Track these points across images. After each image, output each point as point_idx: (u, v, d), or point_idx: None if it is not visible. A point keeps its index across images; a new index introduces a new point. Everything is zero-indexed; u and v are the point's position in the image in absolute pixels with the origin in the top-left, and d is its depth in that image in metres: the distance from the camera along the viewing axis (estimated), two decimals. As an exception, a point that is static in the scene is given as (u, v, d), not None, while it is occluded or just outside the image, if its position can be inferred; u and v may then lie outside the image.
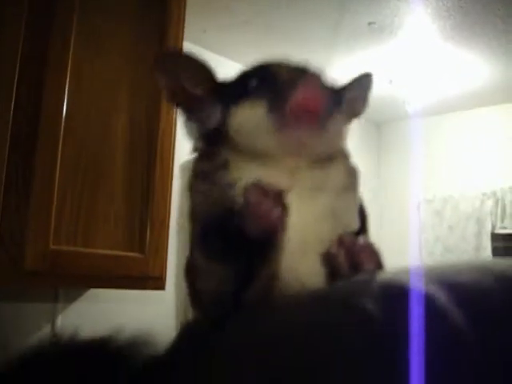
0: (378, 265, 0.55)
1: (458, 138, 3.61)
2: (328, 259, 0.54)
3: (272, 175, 0.55)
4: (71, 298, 2.13)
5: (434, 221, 3.54)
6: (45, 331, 2.05)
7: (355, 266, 0.53)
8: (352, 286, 0.47)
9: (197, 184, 0.61)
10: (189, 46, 2.45)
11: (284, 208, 0.52)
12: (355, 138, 2.82)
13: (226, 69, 2.52)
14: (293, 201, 0.53)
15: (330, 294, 0.47)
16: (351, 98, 0.65)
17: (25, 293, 2.00)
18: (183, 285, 2.27)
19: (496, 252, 3.32)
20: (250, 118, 0.56)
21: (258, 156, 0.56)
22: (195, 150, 0.64)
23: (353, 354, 0.38)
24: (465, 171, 3.53)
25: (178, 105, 0.64)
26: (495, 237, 3.33)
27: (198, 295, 0.63)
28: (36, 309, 2.04)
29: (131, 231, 1.82)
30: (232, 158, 0.57)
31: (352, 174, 0.61)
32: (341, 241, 0.54)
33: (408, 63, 2.83)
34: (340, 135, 0.60)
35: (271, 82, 0.56)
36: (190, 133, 0.64)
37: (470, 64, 2.85)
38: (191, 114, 0.62)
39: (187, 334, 0.57)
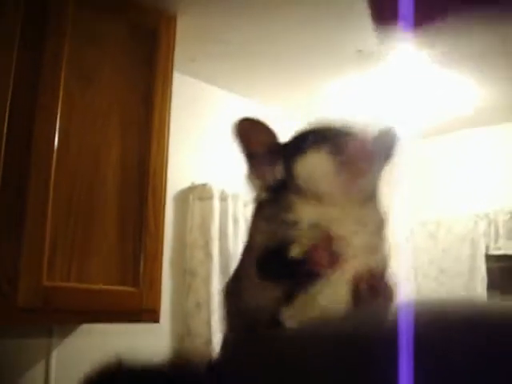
0: (393, 293, 0.66)
1: (449, 161, 3.63)
2: (352, 286, 0.66)
3: (327, 212, 0.67)
4: (66, 333, 2.11)
5: (427, 244, 3.53)
6: (39, 366, 2.03)
7: (374, 293, 0.65)
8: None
9: (260, 225, 0.72)
10: (178, 76, 2.46)
11: (335, 257, 0.65)
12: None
13: (215, 98, 2.52)
14: (347, 231, 0.67)
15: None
16: (382, 145, 0.75)
17: (19, 329, 1.98)
18: (179, 317, 2.25)
19: (491, 273, 3.31)
20: (316, 167, 0.67)
21: (317, 196, 0.68)
22: (257, 199, 0.75)
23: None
24: (457, 193, 3.53)
25: (247, 160, 0.74)
26: (489, 258, 3.33)
27: (240, 313, 0.72)
28: (30, 344, 2.01)
29: (125, 265, 1.82)
30: (295, 201, 0.69)
31: (384, 216, 0.73)
32: (365, 272, 0.66)
33: (397, 88, 2.85)
34: (376, 179, 0.71)
35: (327, 138, 0.68)
36: (253, 186, 0.74)
37: (458, 86, 2.87)
38: (255, 170, 0.73)
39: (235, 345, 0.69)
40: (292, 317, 0.65)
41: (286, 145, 0.73)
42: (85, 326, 2.15)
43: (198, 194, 2.62)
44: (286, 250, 0.66)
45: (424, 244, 3.56)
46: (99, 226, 1.79)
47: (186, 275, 2.56)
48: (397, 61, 2.57)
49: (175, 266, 2.57)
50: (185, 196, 2.64)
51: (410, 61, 2.57)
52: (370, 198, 0.71)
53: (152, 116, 1.98)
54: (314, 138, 0.69)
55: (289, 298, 0.65)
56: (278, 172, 0.70)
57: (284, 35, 2.36)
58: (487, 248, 3.35)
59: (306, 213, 0.67)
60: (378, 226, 0.72)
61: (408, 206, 3.46)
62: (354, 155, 0.65)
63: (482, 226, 3.37)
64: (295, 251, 0.66)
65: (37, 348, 2.03)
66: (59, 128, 1.72)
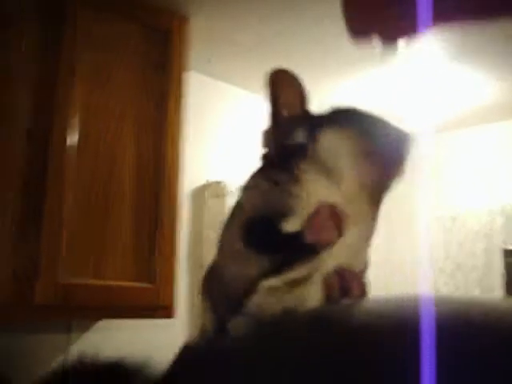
0: (364, 292, 0.65)
1: (465, 155, 3.62)
2: (325, 283, 0.63)
3: (334, 193, 0.65)
4: (84, 328, 2.16)
5: (443, 238, 3.53)
6: (59, 361, 2.08)
7: (345, 291, 0.63)
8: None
9: (262, 185, 0.68)
10: (195, 75, 2.50)
11: (339, 233, 0.63)
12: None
13: (231, 96, 2.54)
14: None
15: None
16: None
17: (38, 325, 2.04)
18: (195, 312, 2.29)
19: (509, 268, 3.30)
20: (341, 142, 0.66)
21: (331, 174, 0.65)
22: (265, 157, 0.72)
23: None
24: (473, 188, 3.53)
25: (272, 116, 0.71)
26: (505, 253, 3.32)
27: (224, 286, 0.68)
28: (50, 340, 2.07)
29: (140, 262, 1.86)
30: (307, 172, 0.66)
31: (376, 224, 0.71)
32: (337, 270, 0.64)
33: (414, 82, 2.86)
34: (391, 187, 0.70)
35: (366, 125, 0.67)
36: (267, 142, 0.72)
37: (475, 81, 2.87)
38: (277, 128, 0.70)
39: (185, 357, 0.64)
40: (266, 300, 0.63)
41: (315, 115, 0.71)
42: (103, 322, 2.20)
43: (212, 191, 2.66)
44: (281, 220, 0.63)
45: (439, 239, 3.57)
46: (115, 224, 1.83)
47: (202, 271, 2.60)
48: (413, 56, 2.58)
49: (191, 262, 2.61)
50: (200, 193, 2.68)
51: (426, 56, 2.58)
52: (376, 201, 0.69)
53: (166, 116, 2.01)
54: (353, 118, 0.68)
55: (272, 273, 0.62)
56: (300, 135, 0.67)
57: (298, 32, 2.38)
58: (505, 242, 3.34)
59: (311, 188, 0.65)
60: (369, 230, 0.70)
61: (424, 201, 3.46)
62: (388, 155, 0.65)
63: (498, 220, 3.36)
64: (292, 225, 0.63)
65: (56, 343, 2.08)
66: (75, 132, 1.77)
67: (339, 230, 0.63)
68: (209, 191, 2.67)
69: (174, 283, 1.93)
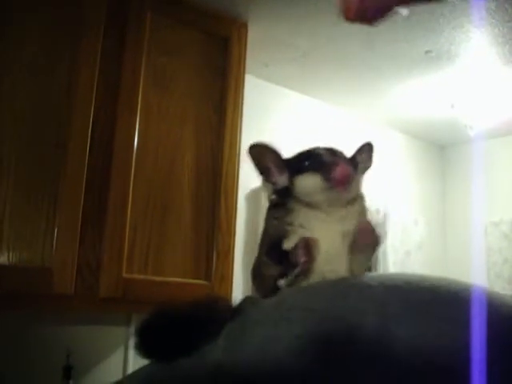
0: (377, 240, 0.92)
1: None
2: (353, 236, 0.90)
3: (317, 215, 0.92)
4: (143, 322, 2.23)
5: (501, 244, 3.49)
6: (118, 353, 2.17)
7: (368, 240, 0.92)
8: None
9: (271, 220, 0.98)
10: (252, 79, 2.56)
11: (311, 257, 0.87)
12: (420, 162, 2.91)
13: (287, 99, 2.60)
14: (327, 229, 0.91)
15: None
16: (362, 159, 1.00)
17: (100, 317, 2.12)
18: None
19: None
20: (310, 183, 0.92)
21: (310, 205, 0.92)
22: (270, 199, 0.99)
23: None
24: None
25: (261, 173, 0.97)
26: None
27: (261, 281, 0.98)
28: (110, 332, 2.15)
29: (198, 260, 1.93)
30: (294, 207, 0.93)
31: (364, 211, 0.97)
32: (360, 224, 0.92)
33: (468, 87, 2.84)
34: (359, 186, 0.96)
35: (318, 161, 0.93)
36: (266, 189, 0.99)
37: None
38: (268, 178, 0.97)
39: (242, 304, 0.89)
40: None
41: (290, 161, 0.97)
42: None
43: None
44: (282, 242, 0.91)
45: (497, 244, 3.52)
46: (174, 224, 1.91)
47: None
48: (466, 61, 2.57)
49: (249, 261, 2.66)
50: (257, 195, 2.73)
51: (480, 61, 2.57)
52: (350, 202, 0.94)
53: (224, 120, 2.08)
54: (308, 162, 0.94)
55: (283, 275, 0.89)
56: (283, 181, 0.95)
57: (352, 38, 2.41)
58: None
59: (300, 215, 0.92)
60: (360, 213, 0.95)
61: (481, 206, 3.43)
62: (337, 181, 0.89)
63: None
64: (287, 244, 0.90)
65: (117, 336, 2.17)
66: (138, 134, 1.85)
67: (310, 255, 0.87)
68: (265, 192, 2.71)
69: (230, 281, 1.99)
